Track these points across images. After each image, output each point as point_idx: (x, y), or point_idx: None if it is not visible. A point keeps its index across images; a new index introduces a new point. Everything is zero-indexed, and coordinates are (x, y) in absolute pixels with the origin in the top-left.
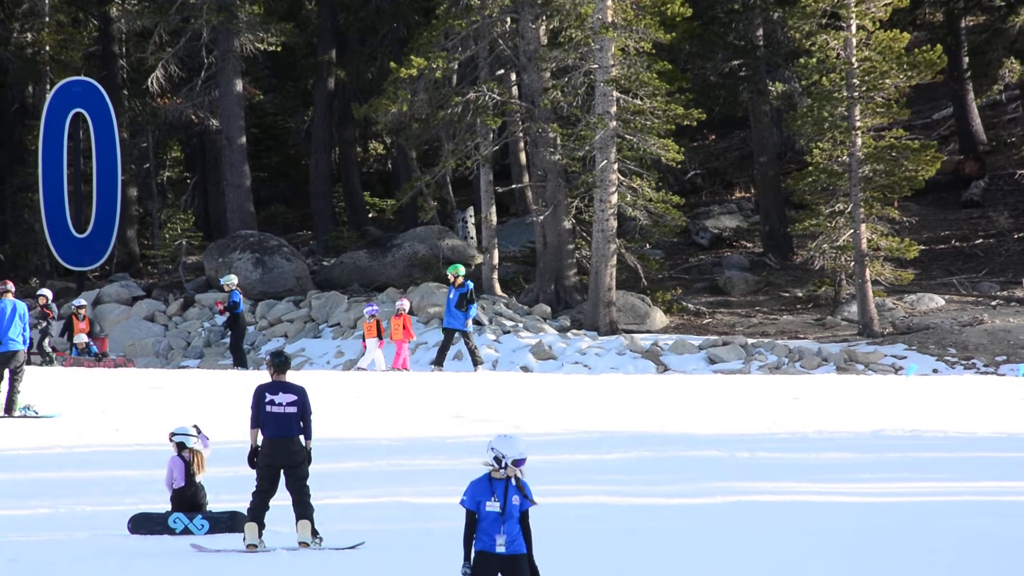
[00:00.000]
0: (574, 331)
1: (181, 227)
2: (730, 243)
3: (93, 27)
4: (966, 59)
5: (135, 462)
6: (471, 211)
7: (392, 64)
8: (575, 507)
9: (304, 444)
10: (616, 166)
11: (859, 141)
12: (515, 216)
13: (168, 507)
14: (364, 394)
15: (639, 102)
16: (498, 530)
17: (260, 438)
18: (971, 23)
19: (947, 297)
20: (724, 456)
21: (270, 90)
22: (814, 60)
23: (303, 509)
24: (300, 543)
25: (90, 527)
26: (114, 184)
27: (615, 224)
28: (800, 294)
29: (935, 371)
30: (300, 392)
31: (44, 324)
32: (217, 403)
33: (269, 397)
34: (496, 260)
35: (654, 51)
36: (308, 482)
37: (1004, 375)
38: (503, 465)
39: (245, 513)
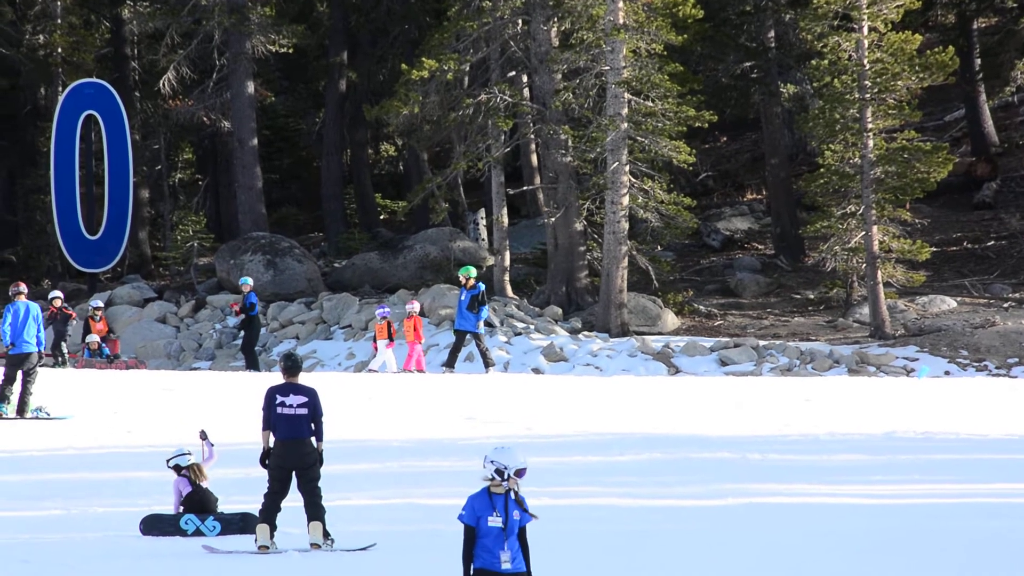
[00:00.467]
0: (585, 333)
1: (193, 229)
2: (741, 245)
3: (105, 29)
4: (978, 61)
5: (147, 464)
6: (482, 213)
7: (404, 66)
8: (587, 509)
9: (316, 446)
10: (627, 168)
11: (871, 143)
12: (526, 218)
13: None
14: (376, 396)
15: (651, 104)
16: (501, 546)
17: (272, 440)
18: (983, 25)
19: (959, 299)
20: (736, 458)
21: (282, 92)
22: (826, 62)
23: (314, 511)
24: (311, 544)
25: (102, 528)
26: (126, 186)
27: (626, 226)
28: (812, 296)
29: (947, 373)
30: (311, 394)
31: (63, 327)
32: (228, 405)
33: (280, 399)
34: (507, 262)
35: (666, 53)
36: (320, 484)
37: (1016, 377)
38: (505, 477)
39: (257, 515)
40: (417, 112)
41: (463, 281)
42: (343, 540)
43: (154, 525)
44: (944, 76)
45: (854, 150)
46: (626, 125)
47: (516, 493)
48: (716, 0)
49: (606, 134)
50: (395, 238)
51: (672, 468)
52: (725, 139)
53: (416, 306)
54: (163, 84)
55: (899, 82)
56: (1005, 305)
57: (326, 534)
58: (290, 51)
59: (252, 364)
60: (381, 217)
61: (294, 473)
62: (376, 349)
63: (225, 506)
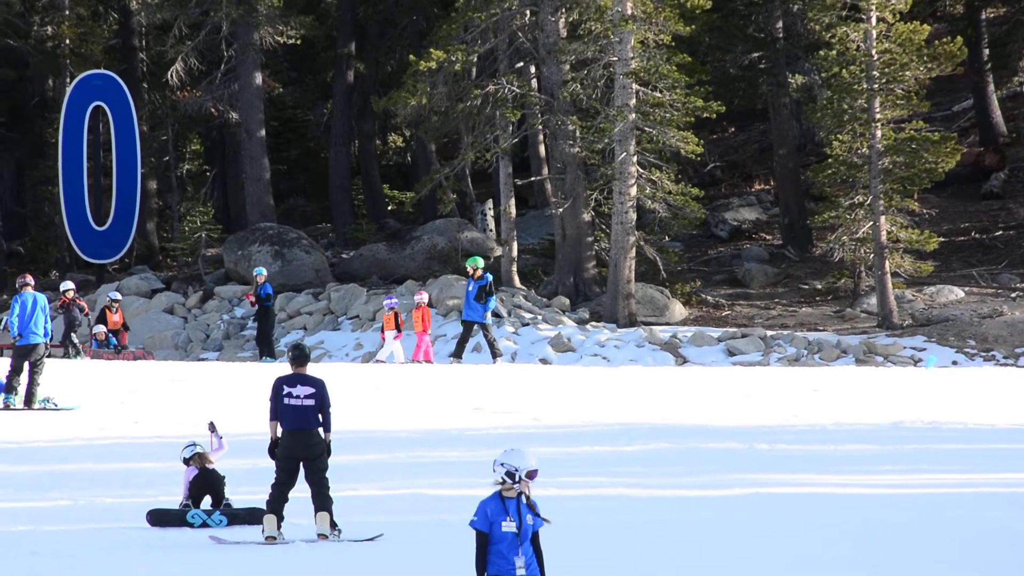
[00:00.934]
0: (593, 323)
1: (200, 220)
2: (749, 235)
3: (113, 20)
4: (986, 51)
5: (154, 454)
6: (490, 204)
7: (411, 57)
8: (594, 499)
9: (323, 437)
10: (635, 158)
11: (879, 133)
12: (534, 208)
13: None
14: (383, 386)
15: (658, 94)
16: (516, 552)
17: (280, 430)
18: (991, 15)
19: (967, 289)
20: (743, 448)
21: (290, 83)
22: (834, 52)
23: (322, 501)
24: (319, 535)
25: (110, 519)
26: (134, 177)
27: (634, 216)
28: (819, 286)
29: (954, 363)
30: (318, 385)
31: (75, 318)
32: (236, 396)
33: (287, 389)
34: (515, 252)
35: (674, 43)
36: (327, 474)
37: None
38: (516, 479)
39: (264, 507)
40: (425, 103)
41: (470, 272)
42: (350, 531)
43: (160, 518)
44: (952, 66)
45: (862, 140)
46: (634, 116)
47: (528, 497)
48: None
49: (614, 125)
50: (403, 229)
51: (680, 458)
52: (733, 129)
53: (424, 296)
54: (171, 75)
55: (907, 72)
56: (1013, 295)
57: (333, 524)
58: (298, 42)
59: (269, 353)
60: (389, 208)
61: (301, 464)
62: (384, 339)
63: (233, 497)
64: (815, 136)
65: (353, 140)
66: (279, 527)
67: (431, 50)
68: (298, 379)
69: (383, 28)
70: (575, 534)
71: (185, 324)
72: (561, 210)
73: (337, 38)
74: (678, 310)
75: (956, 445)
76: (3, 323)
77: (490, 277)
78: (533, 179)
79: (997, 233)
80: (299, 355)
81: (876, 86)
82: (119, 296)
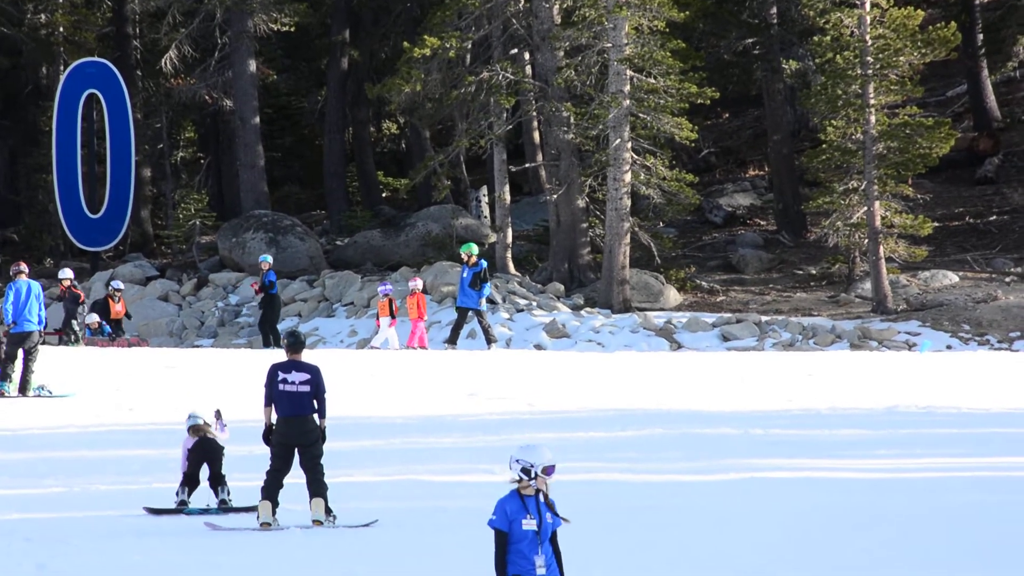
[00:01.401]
0: (587, 309)
1: (195, 207)
2: (744, 221)
3: (107, 8)
4: (980, 36)
5: (149, 441)
6: (484, 190)
7: (405, 44)
8: (589, 484)
9: (318, 423)
10: (630, 144)
11: (873, 119)
12: (528, 195)
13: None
14: (378, 373)
15: (653, 81)
16: (536, 551)
17: (274, 416)
18: (985, 0)
19: (961, 274)
20: (738, 433)
21: (284, 70)
22: (828, 38)
23: (317, 487)
24: (314, 521)
25: (104, 506)
26: (128, 165)
27: (629, 202)
28: (814, 271)
29: (949, 347)
30: (314, 371)
31: (73, 306)
32: (231, 383)
33: (282, 376)
34: (510, 239)
35: (668, 30)
36: (322, 460)
37: (1018, 351)
38: (533, 476)
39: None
40: (419, 90)
41: (465, 259)
42: (345, 517)
43: (157, 512)
44: (946, 51)
45: (856, 126)
46: (628, 102)
47: (546, 495)
48: None
49: (608, 111)
50: (397, 216)
51: (674, 444)
52: (727, 115)
53: (419, 283)
54: (165, 63)
55: (901, 58)
56: (1007, 280)
57: (328, 511)
58: (292, 29)
59: (274, 341)
60: (383, 195)
61: (296, 450)
62: (379, 326)
63: (229, 483)
64: (809, 122)
65: (347, 127)
66: (274, 513)
67: (425, 37)
68: (293, 365)
69: (377, 15)
70: (570, 519)
71: (180, 311)
72: (555, 196)
73: (331, 25)
74: (672, 296)
75: (950, 429)
76: None
77: (485, 263)
78: (527, 165)
79: (991, 218)
80: (294, 342)
81: (870, 71)
82: (121, 285)
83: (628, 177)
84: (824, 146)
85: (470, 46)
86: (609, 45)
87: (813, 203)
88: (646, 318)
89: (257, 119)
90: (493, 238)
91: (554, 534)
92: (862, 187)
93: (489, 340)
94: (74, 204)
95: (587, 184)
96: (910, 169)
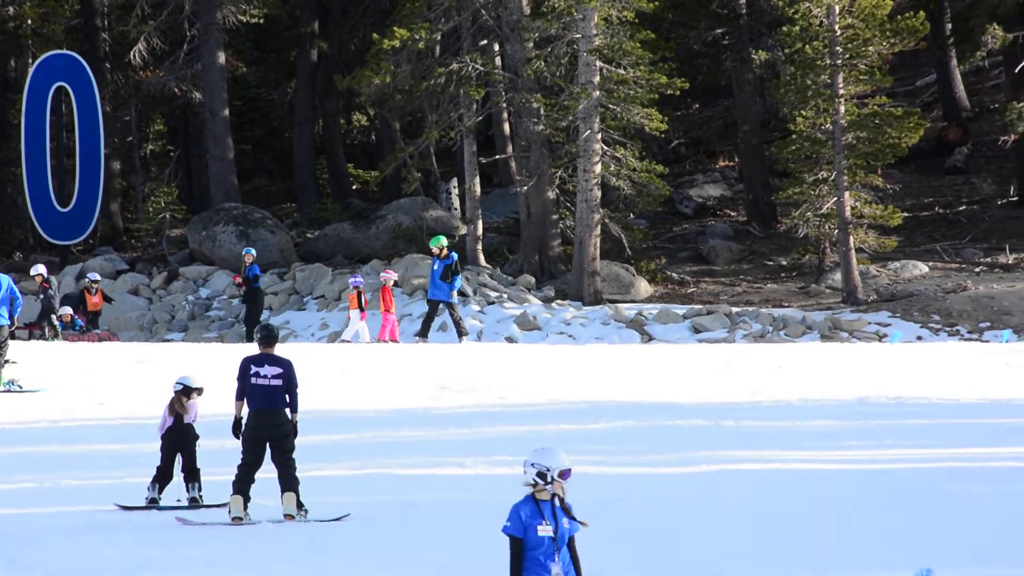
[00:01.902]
0: (558, 301)
1: (164, 200)
2: (714, 212)
3: (75, 0)
4: (949, 25)
5: (120, 436)
6: (455, 182)
7: (375, 35)
8: None
9: (290, 417)
10: (600, 136)
11: (842, 109)
12: (499, 187)
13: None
14: (349, 366)
15: (622, 71)
16: (552, 558)
17: (245, 410)
18: None
19: (931, 264)
20: (709, 425)
21: (253, 62)
22: (797, 28)
23: (288, 481)
24: (285, 515)
25: (76, 501)
26: (97, 158)
27: (599, 194)
28: (784, 262)
29: (919, 338)
30: (286, 365)
31: (48, 301)
32: (202, 376)
33: (255, 369)
34: (480, 231)
35: (637, 20)
36: (294, 455)
37: (988, 341)
38: (549, 480)
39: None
40: (389, 82)
41: (437, 252)
42: (317, 511)
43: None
44: (915, 41)
45: (826, 116)
46: (598, 93)
47: (562, 499)
48: None
49: (578, 102)
50: (367, 208)
51: (646, 436)
52: (697, 106)
53: (390, 276)
54: (134, 55)
55: (870, 47)
56: (976, 269)
57: (300, 505)
58: (261, 21)
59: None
60: (353, 187)
61: (268, 444)
62: (350, 319)
63: (202, 477)
64: (779, 112)
65: (317, 119)
66: (245, 508)
67: (394, 28)
68: (266, 359)
69: (346, 6)
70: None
71: (150, 305)
72: (526, 188)
73: (300, 17)
74: (643, 287)
75: (921, 420)
76: None
77: (455, 256)
78: (498, 157)
79: (960, 208)
80: (267, 335)
81: (839, 61)
82: (98, 277)
83: (598, 168)
84: (794, 136)
85: (439, 37)
86: (578, 36)
87: (783, 194)
88: (617, 310)
89: (226, 111)
90: (463, 230)
91: (571, 539)
92: (832, 177)
93: (460, 333)
94: (43, 197)
95: (557, 175)
96: (879, 159)
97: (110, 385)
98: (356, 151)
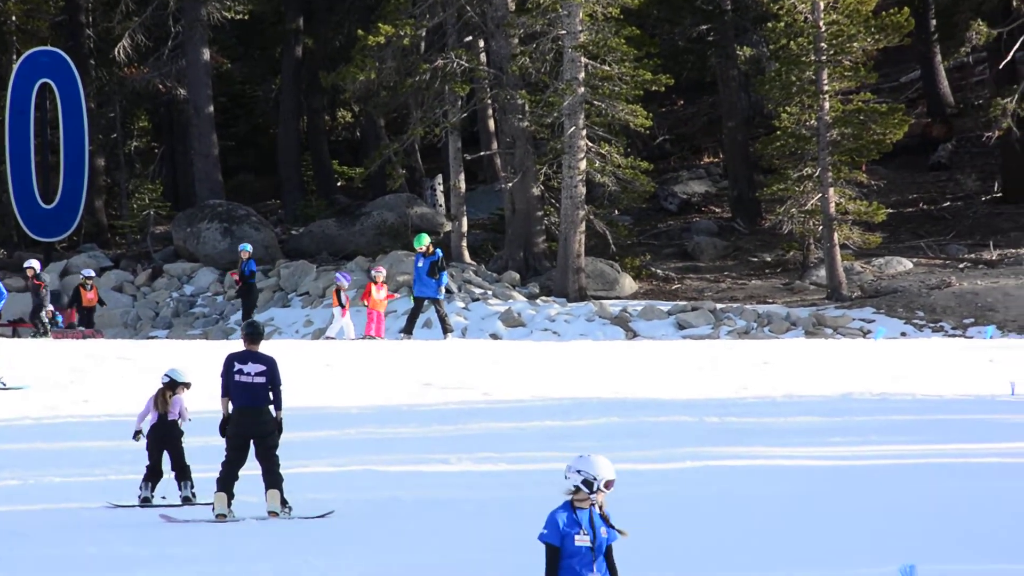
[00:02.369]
0: (543, 298)
1: (149, 197)
2: (699, 208)
3: None
4: (933, 22)
5: (104, 433)
6: (440, 179)
7: (360, 32)
8: (545, 474)
9: (274, 414)
10: (584, 132)
11: (827, 105)
12: (484, 183)
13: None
14: (334, 363)
15: (607, 68)
16: (589, 568)
17: (230, 407)
18: None
19: (915, 260)
20: (694, 421)
21: (238, 59)
22: (782, 24)
23: (272, 479)
24: (269, 512)
25: (60, 498)
26: (81, 154)
27: (584, 190)
28: (769, 259)
29: (903, 334)
30: (269, 362)
31: (37, 298)
32: (186, 374)
33: (238, 366)
34: (465, 227)
35: (622, 16)
36: (278, 452)
37: (972, 337)
38: (594, 489)
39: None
40: (374, 78)
41: (423, 250)
42: (301, 508)
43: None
44: (899, 37)
45: (810, 112)
46: (583, 89)
47: (602, 508)
48: None
49: (563, 98)
50: (352, 205)
51: (630, 432)
52: (682, 102)
53: (380, 273)
54: (118, 51)
55: (855, 44)
56: (961, 266)
57: (284, 502)
58: (246, 17)
59: None
60: (338, 184)
61: (252, 441)
62: (342, 315)
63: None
64: (763, 108)
65: (302, 116)
66: (229, 505)
67: (379, 25)
68: (249, 356)
69: (331, 2)
70: (525, 509)
71: (134, 302)
72: (511, 185)
73: (285, 13)
74: (628, 284)
75: (905, 416)
76: None
77: (440, 252)
78: (482, 154)
79: (945, 204)
80: (252, 332)
81: (824, 58)
82: (93, 273)
83: (583, 165)
84: (778, 133)
85: (424, 34)
86: (563, 32)
87: (768, 190)
88: (602, 307)
89: (211, 108)
90: (448, 227)
91: (609, 548)
92: (816, 174)
93: (445, 329)
94: (27, 194)
95: (542, 172)
96: (864, 155)
97: (94, 382)
98: (341, 147)
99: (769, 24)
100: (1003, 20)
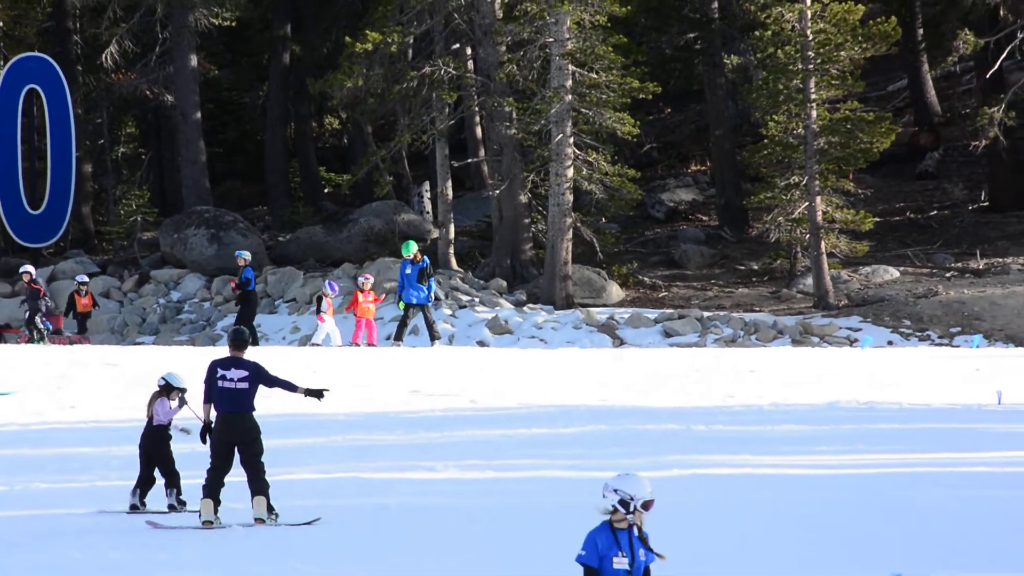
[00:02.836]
0: (530, 305)
1: (136, 203)
2: (686, 216)
3: (47, 2)
4: (920, 31)
5: (91, 439)
6: (427, 186)
7: (347, 39)
8: (532, 481)
9: (254, 421)
10: (572, 140)
11: (814, 113)
12: (471, 191)
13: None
14: (321, 369)
15: (595, 75)
16: None
17: (213, 414)
18: None
19: (902, 269)
20: (680, 429)
21: (225, 65)
22: (769, 32)
23: (258, 485)
24: (256, 519)
25: (47, 505)
26: (69, 160)
27: (571, 198)
28: (756, 267)
29: (890, 343)
30: (252, 368)
31: (34, 303)
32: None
33: (221, 372)
34: (452, 235)
35: (609, 24)
36: (263, 458)
37: (958, 346)
38: (631, 509)
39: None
40: (361, 85)
41: (411, 257)
42: (287, 515)
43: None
44: (887, 46)
45: (798, 121)
46: (570, 97)
47: (640, 529)
48: None
49: (550, 106)
50: (339, 211)
51: (617, 440)
52: (669, 110)
53: (367, 280)
54: (105, 58)
55: (842, 52)
56: (948, 275)
57: (270, 509)
58: (233, 24)
59: (252, 340)
60: (325, 190)
61: (236, 448)
62: (321, 322)
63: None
64: (751, 117)
65: (289, 122)
66: (216, 512)
67: (367, 32)
68: (233, 362)
69: (319, 10)
70: (513, 516)
71: (121, 308)
72: (498, 192)
73: (273, 20)
74: (615, 292)
75: (891, 425)
76: None
77: (427, 260)
78: (470, 161)
79: (932, 213)
80: (237, 338)
81: (811, 66)
82: (87, 279)
83: (570, 172)
84: (766, 141)
85: (412, 41)
86: (551, 40)
87: (755, 198)
88: (588, 314)
89: (198, 114)
90: (435, 234)
91: (647, 572)
92: (803, 182)
93: (433, 336)
94: (14, 200)
95: (529, 179)
96: (851, 164)
97: (80, 388)
98: (328, 154)
99: (756, 33)
100: (990, 30)
